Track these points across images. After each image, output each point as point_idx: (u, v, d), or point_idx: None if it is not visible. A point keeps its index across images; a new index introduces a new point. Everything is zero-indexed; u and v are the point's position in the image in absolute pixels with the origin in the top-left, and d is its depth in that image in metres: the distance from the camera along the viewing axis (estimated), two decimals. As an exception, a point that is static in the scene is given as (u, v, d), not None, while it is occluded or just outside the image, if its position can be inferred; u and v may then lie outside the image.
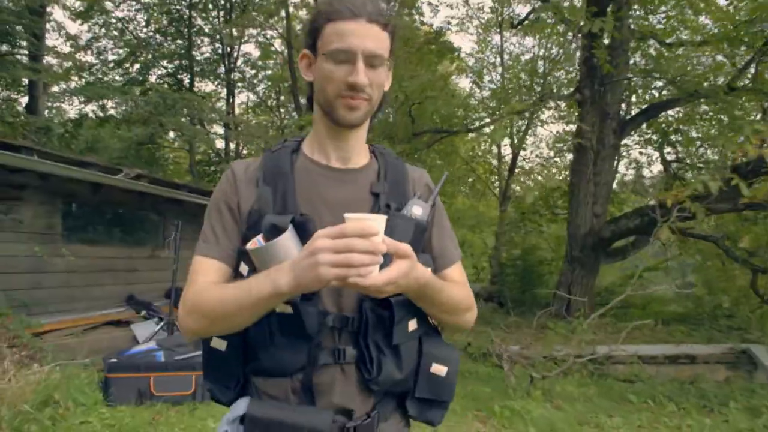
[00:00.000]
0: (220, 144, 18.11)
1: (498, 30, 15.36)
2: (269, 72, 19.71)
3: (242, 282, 0.98)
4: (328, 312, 1.04)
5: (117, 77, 16.90)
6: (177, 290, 6.39)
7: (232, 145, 17.20)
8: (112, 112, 14.84)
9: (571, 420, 4.46)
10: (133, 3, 16.93)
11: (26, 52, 11.55)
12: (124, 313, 6.40)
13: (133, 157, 12.76)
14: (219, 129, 17.16)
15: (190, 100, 12.23)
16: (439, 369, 1.13)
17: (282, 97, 20.37)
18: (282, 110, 20.91)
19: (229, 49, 18.25)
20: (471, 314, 1.19)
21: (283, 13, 14.66)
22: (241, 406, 1.04)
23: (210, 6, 18.10)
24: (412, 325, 1.10)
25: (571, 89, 10.18)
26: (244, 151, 17.87)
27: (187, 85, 17.61)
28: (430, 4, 17.03)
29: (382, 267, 0.90)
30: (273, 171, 1.08)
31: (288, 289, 0.90)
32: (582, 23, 6.39)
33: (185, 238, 5.95)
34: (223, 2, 18.01)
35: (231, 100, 18.62)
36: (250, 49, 19.14)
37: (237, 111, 19.60)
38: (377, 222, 0.88)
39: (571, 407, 4.83)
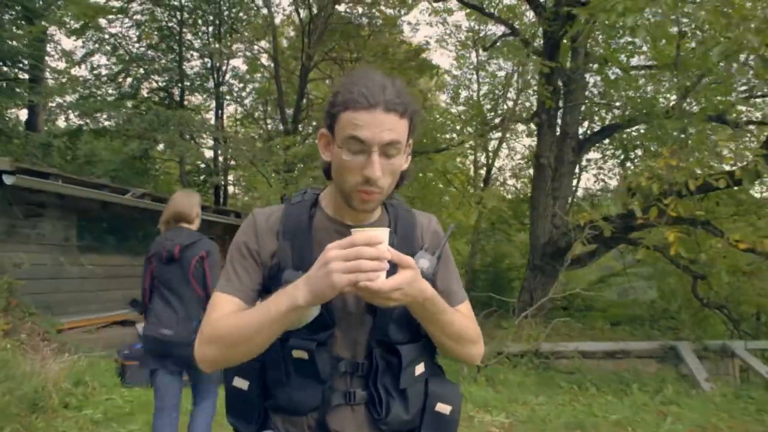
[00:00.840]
0: (209, 153, 19.07)
1: (474, 48, 16.49)
2: (257, 84, 20.71)
3: (260, 305, 1.06)
4: (341, 358, 1.13)
5: (110, 90, 17.77)
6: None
7: (221, 158, 18.14)
8: (105, 125, 15.72)
9: (504, 399, 5.52)
10: (126, 20, 17.89)
11: (27, 76, 12.45)
12: (129, 314, 7.37)
13: (128, 170, 13.68)
14: (209, 140, 18.12)
15: (182, 117, 13.20)
16: (444, 408, 1.21)
17: (269, 108, 21.38)
18: (269, 121, 21.91)
19: (218, 64, 19.22)
20: (477, 348, 1.24)
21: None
22: None
23: (200, 22, 19.07)
24: (419, 369, 1.19)
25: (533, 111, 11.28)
26: (232, 162, 18.81)
27: (178, 99, 18.54)
28: (409, 23, 18.10)
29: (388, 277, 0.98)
30: (293, 226, 1.16)
31: (304, 301, 0.98)
32: (531, 65, 7.45)
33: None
34: (212, 18, 18.99)
35: (220, 113, 19.57)
36: (238, 63, 20.05)
37: (225, 122, 20.54)
38: (382, 233, 0.98)
39: (507, 390, 5.89)
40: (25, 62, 11.68)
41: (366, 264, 0.94)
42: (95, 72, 17.61)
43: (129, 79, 18.19)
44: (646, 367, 8.00)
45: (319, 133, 1.16)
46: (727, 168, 6.93)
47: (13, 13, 12.31)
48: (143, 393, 5.02)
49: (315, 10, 16.43)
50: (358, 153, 1.04)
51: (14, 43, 11.28)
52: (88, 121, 15.79)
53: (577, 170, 13.00)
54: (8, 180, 5.11)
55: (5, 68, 11.89)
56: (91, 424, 4.13)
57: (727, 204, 9.88)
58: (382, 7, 16.70)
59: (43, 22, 11.85)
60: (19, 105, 11.52)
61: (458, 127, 12.00)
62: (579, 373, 7.30)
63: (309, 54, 16.16)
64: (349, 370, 1.14)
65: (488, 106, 15.08)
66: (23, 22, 11.91)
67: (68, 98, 14.84)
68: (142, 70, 18.04)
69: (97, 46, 17.68)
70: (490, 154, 16.19)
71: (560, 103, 10.58)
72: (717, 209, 9.58)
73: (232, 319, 1.07)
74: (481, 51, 16.50)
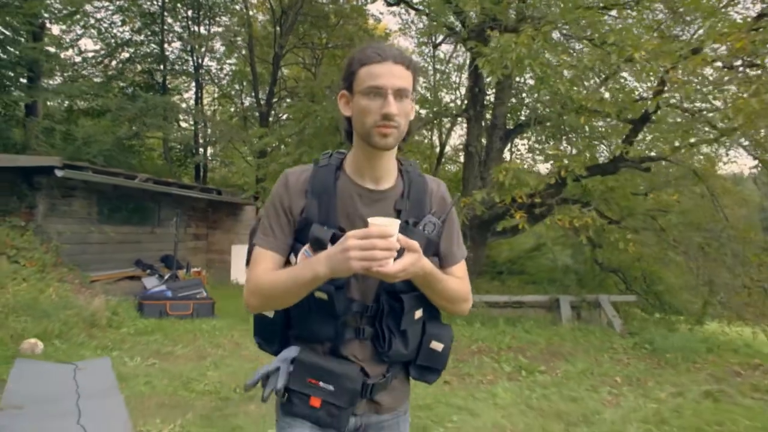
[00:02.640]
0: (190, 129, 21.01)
1: (429, 40, 18.60)
2: (233, 67, 22.55)
3: (290, 269, 1.33)
4: (354, 299, 1.38)
5: (97, 73, 19.57)
6: (176, 258, 9.78)
7: (201, 138, 20.18)
8: (95, 107, 17.63)
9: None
10: (110, 6, 19.50)
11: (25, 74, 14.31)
12: (135, 271, 9.69)
13: (119, 150, 15.73)
14: (191, 119, 20.12)
15: (167, 103, 15.24)
16: (437, 345, 1.48)
17: (245, 86, 23.24)
18: (245, 99, 23.80)
19: (197, 46, 20.97)
20: (466, 305, 1.51)
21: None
22: (293, 351, 1.42)
23: (179, 5, 20.73)
24: (418, 314, 1.44)
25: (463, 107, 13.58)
26: (212, 138, 20.79)
27: (160, 80, 20.39)
28: (373, 15, 20.01)
29: (395, 258, 1.21)
30: (320, 186, 1.39)
31: (324, 275, 1.23)
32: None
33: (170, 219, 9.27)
34: (190, 1, 20.66)
35: (199, 93, 21.49)
36: (216, 44, 21.79)
37: (204, 102, 22.46)
38: (393, 226, 1.20)
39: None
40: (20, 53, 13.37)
41: (378, 254, 1.17)
42: (83, 56, 19.36)
43: (114, 62, 19.99)
44: (537, 313, 10.58)
45: (339, 95, 1.40)
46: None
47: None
48: (155, 321, 7.39)
49: (287, 1, 18.18)
50: (375, 97, 1.30)
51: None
52: (79, 102, 17.67)
53: (507, 156, 15.38)
54: (59, 173, 7.34)
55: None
56: (128, 336, 6.51)
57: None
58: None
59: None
60: (32, 98, 13.40)
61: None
62: (481, 315, 9.82)
63: (281, 43, 18.14)
64: (359, 311, 1.38)
65: (443, 94, 17.29)
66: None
67: (57, 80, 16.65)
68: (126, 54, 19.81)
69: (83, 31, 19.38)
70: (443, 137, 18.54)
71: (491, 99, 12.94)
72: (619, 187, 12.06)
73: (271, 277, 1.33)
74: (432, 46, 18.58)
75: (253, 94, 21.14)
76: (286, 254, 1.40)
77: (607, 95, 9.44)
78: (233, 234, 13.30)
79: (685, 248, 10.70)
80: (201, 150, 20.58)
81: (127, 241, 9.90)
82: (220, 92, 23.09)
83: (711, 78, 8.02)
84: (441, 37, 17.02)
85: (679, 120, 9.10)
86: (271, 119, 20.24)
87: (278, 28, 18.57)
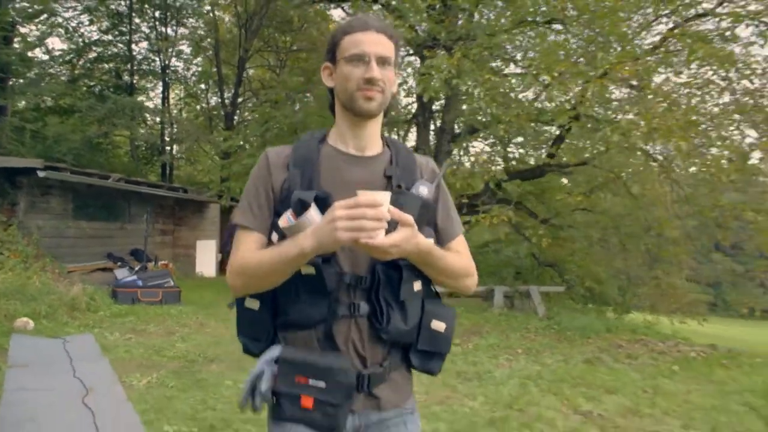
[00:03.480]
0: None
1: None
2: (199, 68, 23.30)
3: (275, 247, 1.24)
4: (344, 272, 1.27)
5: (65, 72, 20.14)
6: (146, 251, 10.73)
7: (167, 138, 20.95)
8: (62, 105, 18.26)
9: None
10: (78, 6, 20.06)
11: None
12: (107, 263, 10.61)
13: (87, 149, 16.45)
14: (157, 118, 20.87)
15: (135, 104, 16.04)
16: (439, 325, 1.36)
17: (210, 85, 24.03)
18: (212, 98, 24.57)
19: (165, 49, 21.66)
20: (471, 280, 1.43)
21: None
22: (276, 350, 1.29)
23: (146, 6, 21.39)
24: (417, 286, 1.33)
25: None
26: (178, 138, 21.55)
27: (128, 80, 21.06)
28: (335, 21, 21.04)
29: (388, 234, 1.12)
30: (302, 156, 1.34)
31: (311, 250, 1.15)
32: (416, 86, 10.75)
33: (141, 215, 10.23)
34: (158, 2, 21.35)
35: (166, 92, 22.22)
36: (183, 46, 22.49)
37: (172, 100, 23.19)
38: (383, 196, 1.13)
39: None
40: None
41: (367, 224, 1.09)
42: (51, 54, 19.87)
43: (82, 61, 20.55)
44: (475, 302, 11.86)
45: (323, 67, 1.40)
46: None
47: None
48: (128, 306, 8.38)
49: (252, 5, 19.05)
50: (358, 64, 1.29)
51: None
52: (47, 100, 18.25)
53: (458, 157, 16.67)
54: (41, 174, 8.26)
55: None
56: (105, 317, 7.51)
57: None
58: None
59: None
60: (5, 100, 14.06)
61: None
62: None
63: (246, 47, 19.07)
64: (353, 283, 1.28)
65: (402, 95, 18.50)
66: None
67: (24, 79, 17.20)
68: (94, 54, 20.42)
69: (50, 30, 19.89)
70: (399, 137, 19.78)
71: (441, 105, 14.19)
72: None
73: (256, 257, 1.26)
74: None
75: (217, 92, 21.99)
76: (267, 233, 1.32)
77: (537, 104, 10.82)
78: (198, 230, 14.27)
79: (606, 245, 12.13)
80: (167, 148, 21.36)
81: (100, 235, 10.81)
82: (186, 92, 23.86)
83: (617, 96, 9.43)
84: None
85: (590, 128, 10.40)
86: (236, 119, 21.16)
87: (243, 32, 19.49)
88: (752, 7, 8.51)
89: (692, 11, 9.07)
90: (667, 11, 9.33)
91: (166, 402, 4.21)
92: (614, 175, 11.12)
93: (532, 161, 13.03)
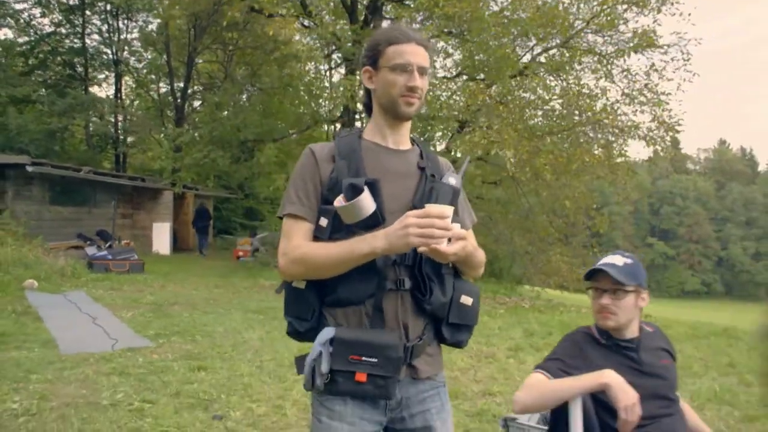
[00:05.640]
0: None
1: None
2: (150, 56, 24.97)
3: (344, 243, 1.39)
4: None
5: (20, 65, 21.72)
6: (113, 232, 13.09)
7: (121, 128, 22.88)
8: (21, 97, 19.95)
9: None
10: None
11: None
12: (79, 242, 12.91)
13: (47, 139, 18.41)
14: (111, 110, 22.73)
15: (94, 99, 18.09)
16: (467, 299, 1.56)
17: (161, 75, 25.83)
18: (162, 88, 26.36)
19: (116, 39, 23.32)
20: (482, 269, 1.65)
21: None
22: (329, 332, 1.42)
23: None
24: (450, 265, 1.54)
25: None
26: (128, 127, 23.40)
27: (82, 71, 22.75)
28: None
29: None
30: (346, 149, 1.53)
31: (381, 251, 1.34)
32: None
33: (105, 201, 12.59)
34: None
35: (118, 84, 24.05)
36: (134, 40, 24.13)
37: (124, 92, 25.00)
38: (448, 209, 1.33)
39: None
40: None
41: (436, 232, 1.29)
42: (2, 44, 21.14)
43: (35, 51, 22.05)
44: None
45: (363, 70, 1.59)
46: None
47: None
48: (103, 275, 10.78)
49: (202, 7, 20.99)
50: (402, 73, 1.48)
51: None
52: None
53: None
54: (30, 168, 10.52)
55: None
56: (88, 281, 9.93)
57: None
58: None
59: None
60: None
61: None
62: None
63: (194, 46, 21.15)
64: (398, 260, 1.44)
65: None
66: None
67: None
68: (48, 47, 22.01)
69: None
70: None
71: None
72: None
73: (323, 251, 1.41)
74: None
75: (168, 83, 23.86)
76: (315, 221, 1.48)
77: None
78: (154, 214, 16.59)
79: (497, 227, 15.02)
80: (120, 138, 23.29)
81: (72, 218, 13.10)
82: (138, 84, 25.67)
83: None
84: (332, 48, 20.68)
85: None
86: (186, 110, 23.20)
87: (193, 31, 21.48)
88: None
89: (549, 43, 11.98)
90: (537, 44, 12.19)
91: (146, 323, 6.80)
92: (506, 173, 13.97)
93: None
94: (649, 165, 20.39)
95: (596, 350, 2.00)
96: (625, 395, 1.75)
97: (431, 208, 1.32)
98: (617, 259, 2.05)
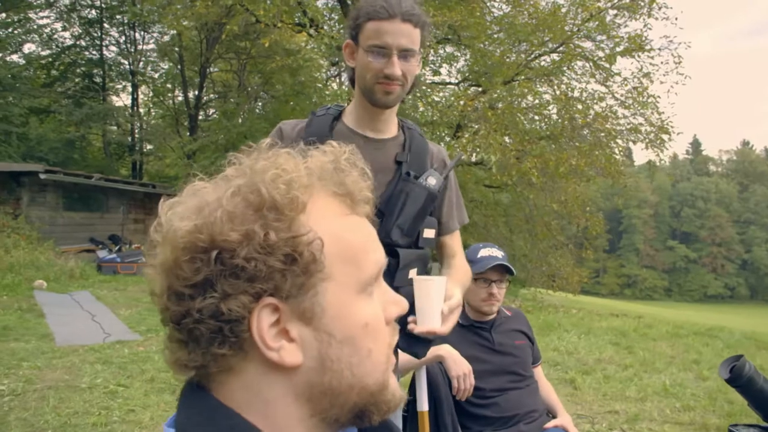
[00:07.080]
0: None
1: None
2: (165, 66, 25.81)
3: None
4: None
5: (41, 75, 22.67)
6: (123, 236, 13.68)
7: (137, 137, 23.71)
8: (40, 106, 20.83)
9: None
10: (51, 13, 22.43)
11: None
12: (91, 246, 13.54)
13: (66, 148, 19.22)
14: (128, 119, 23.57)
15: (110, 109, 18.85)
16: None
17: (176, 86, 26.64)
18: (178, 96, 27.16)
19: (133, 50, 24.20)
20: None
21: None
22: None
23: (116, 14, 23.87)
24: (413, 273, 1.40)
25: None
26: (144, 135, 24.21)
27: (100, 83, 23.65)
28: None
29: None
30: (316, 132, 1.39)
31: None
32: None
33: (117, 207, 13.19)
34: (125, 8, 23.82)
35: (135, 94, 24.90)
36: (150, 51, 25.01)
37: (140, 100, 25.85)
38: (439, 282, 1.20)
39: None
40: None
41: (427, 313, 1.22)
42: (26, 58, 22.21)
43: (56, 63, 23.02)
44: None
45: (344, 44, 1.41)
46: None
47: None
48: (111, 276, 11.36)
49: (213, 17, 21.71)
50: (380, 56, 1.31)
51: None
52: (24, 101, 20.78)
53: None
54: (43, 176, 11.16)
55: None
56: (95, 282, 10.50)
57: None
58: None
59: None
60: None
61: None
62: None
63: (207, 56, 21.83)
64: None
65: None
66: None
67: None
68: (68, 59, 22.95)
69: (24, 37, 22.15)
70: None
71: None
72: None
73: None
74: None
75: (182, 93, 24.63)
76: None
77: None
78: (165, 219, 17.16)
79: (498, 230, 15.30)
80: (137, 146, 24.10)
81: (84, 223, 13.74)
82: (154, 94, 26.49)
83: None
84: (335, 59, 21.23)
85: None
86: (200, 118, 23.89)
87: (205, 42, 22.16)
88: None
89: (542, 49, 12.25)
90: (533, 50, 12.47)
91: (141, 320, 7.29)
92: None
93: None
94: (650, 168, 20.43)
95: (455, 330, 2.36)
96: (457, 366, 2.08)
97: (417, 284, 1.27)
98: (497, 252, 2.38)
